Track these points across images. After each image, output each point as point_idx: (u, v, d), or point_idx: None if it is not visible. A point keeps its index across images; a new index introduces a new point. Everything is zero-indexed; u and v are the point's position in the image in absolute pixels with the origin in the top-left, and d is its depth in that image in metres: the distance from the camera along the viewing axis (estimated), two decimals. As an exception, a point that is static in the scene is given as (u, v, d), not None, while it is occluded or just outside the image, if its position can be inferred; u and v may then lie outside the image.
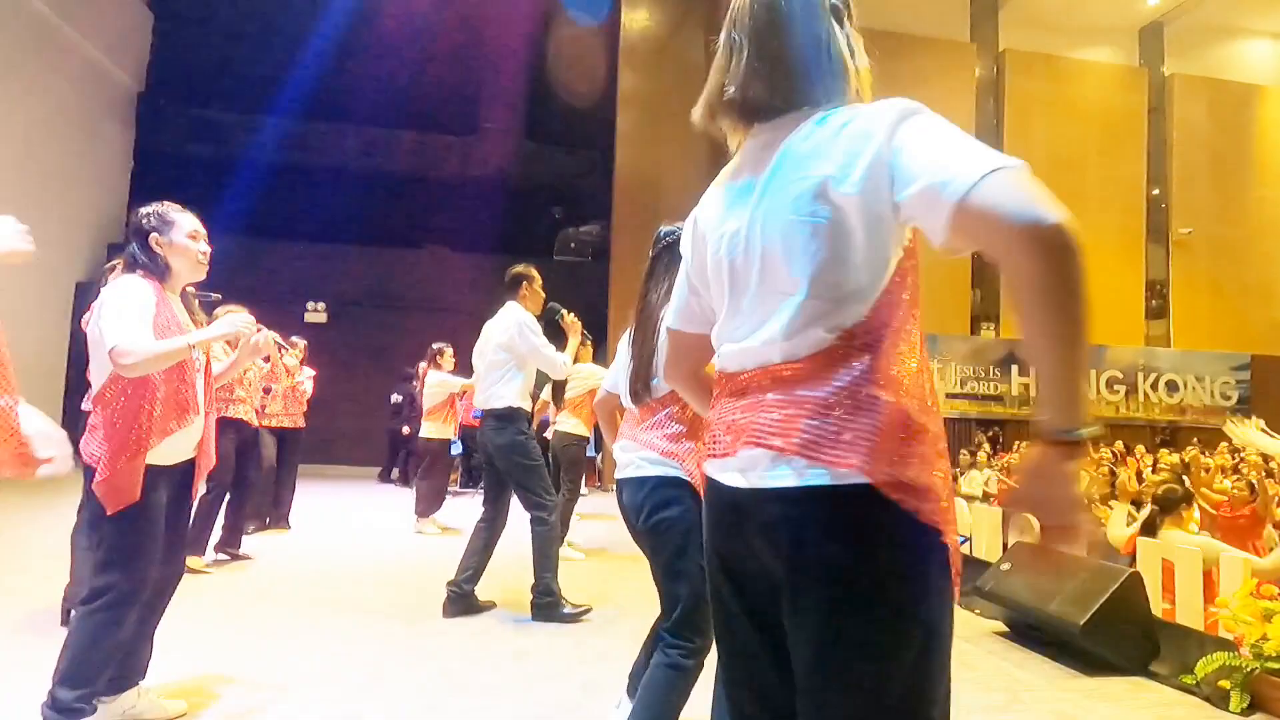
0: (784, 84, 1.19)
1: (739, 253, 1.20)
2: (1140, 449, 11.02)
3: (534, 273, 4.42)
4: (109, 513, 2.32)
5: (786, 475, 1.08)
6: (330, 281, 13.40)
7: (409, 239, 13.79)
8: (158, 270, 2.53)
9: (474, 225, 13.59)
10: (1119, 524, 4.68)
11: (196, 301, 3.07)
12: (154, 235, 2.51)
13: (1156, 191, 14.40)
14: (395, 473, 11.17)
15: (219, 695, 2.88)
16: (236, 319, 2.70)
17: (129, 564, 2.37)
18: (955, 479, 8.12)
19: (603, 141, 13.23)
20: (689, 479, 2.26)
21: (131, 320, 2.34)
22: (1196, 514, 5.04)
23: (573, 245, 14.56)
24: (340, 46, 13.49)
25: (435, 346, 7.23)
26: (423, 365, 7.70)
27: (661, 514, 2.26)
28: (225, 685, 2.98)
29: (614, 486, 2.58)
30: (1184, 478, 5.68)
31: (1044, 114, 13.70)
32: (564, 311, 4.44)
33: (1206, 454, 10.18)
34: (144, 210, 2.57)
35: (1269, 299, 14.10)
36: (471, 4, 13.31)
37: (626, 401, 2.47)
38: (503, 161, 14.38)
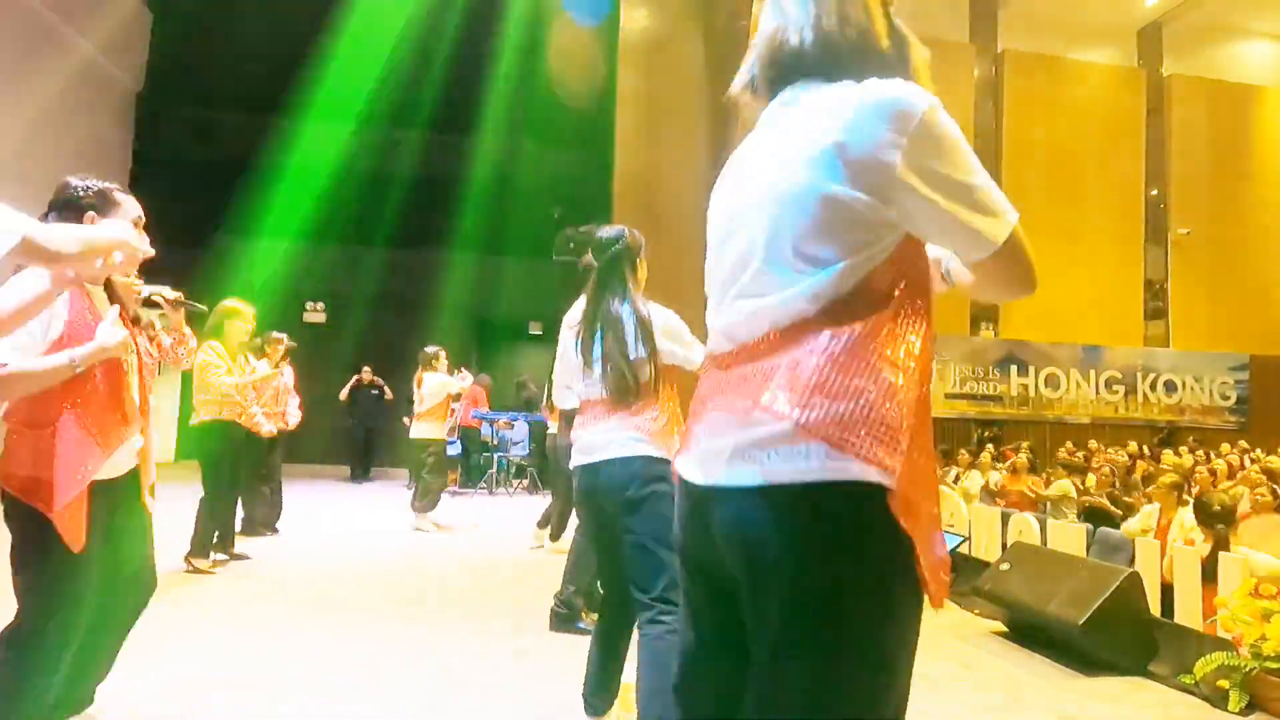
0: (827, 53, 1.14)
1: (736, 218, 1.17)
2: (1139, 448, 11.05)
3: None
4: (15, 540, 1.96)
5: (752, 467, 1.04)
6: (330, 281, 13.39)
7: (409, 239, 13.78)
8: None
9: (472, 225, 13.59)
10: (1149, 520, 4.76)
11: (183, 311, 2.79)
12: (91, 215, 2.10)
13: (1155, 192, 14.40)
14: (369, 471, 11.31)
15: (218, 695, 2.88)
16: (113, 332, 2.10)
17: (53, 600, 2.01)
18: (956, 479, 8.12)
19: (602, 141, 13.22)
20: (670, 460, 2.32)
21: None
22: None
23: (572, 245, 14.54)
24: (340, 46, 13.48)
25: (430, 350, 7.24)
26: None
27: (654, 486, 2.35)
28: (224, 685, 2.97)
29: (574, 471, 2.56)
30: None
31: (1043, 115, 13.70)
32: None
33: (1212, 455, 10.21)
34: (79, 182, 2.14)
35: (1268, 299, 14.10)
36: (472, 4, 13.30)
37: (583, 395, 2.58)
38: (501, 161, 14.37)
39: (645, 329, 2.41)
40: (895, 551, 1.01)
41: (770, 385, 1.05)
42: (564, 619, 3.97)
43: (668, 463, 2.32)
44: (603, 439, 2.46)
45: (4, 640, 2.00)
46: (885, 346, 1.03)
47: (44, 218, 2.10)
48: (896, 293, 1.06)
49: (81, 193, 2.13)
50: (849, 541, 1.00)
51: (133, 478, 2.26)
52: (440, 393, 7.04)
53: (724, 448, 1.07)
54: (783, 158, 1.10)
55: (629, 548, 2.42)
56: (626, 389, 2.41)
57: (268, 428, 5.53)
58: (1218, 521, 4.28)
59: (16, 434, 2.07)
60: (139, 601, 2.37)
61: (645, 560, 2.37)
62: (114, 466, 2.18)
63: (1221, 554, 3.90)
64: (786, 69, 1.17)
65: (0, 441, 2.09)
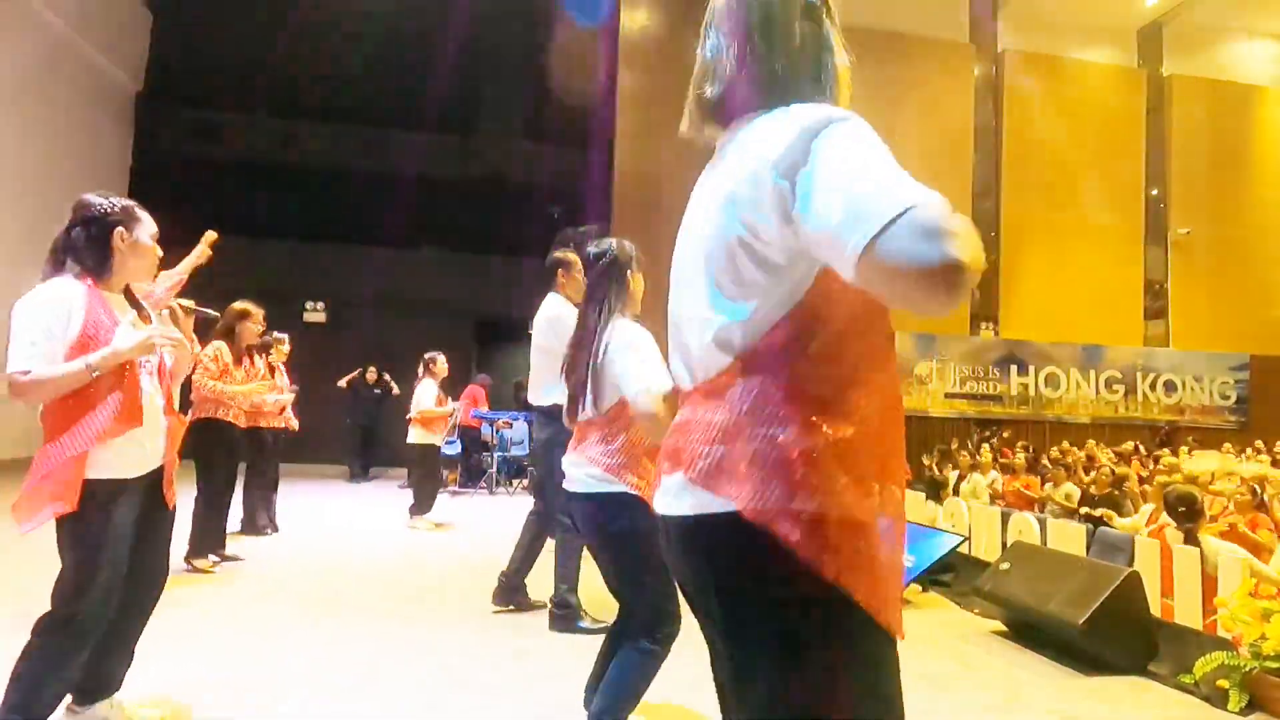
0: (756, 84, 1.15)
1: (681, 263, 1.21)
2: (1134, 447, 11.05)
3: (572, 257, 4.20)
4: (56, 515, 2.13)
5: (686, 503, 1.11)
6: (329, 281, 13.40)
7: (409, 239, 13.79)
8: (102, 268, 2.28)
9: (473, 225, 13.60)
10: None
11: (194, 318, 2.97)
12: (119, 230, 2.29)
13: (1155, 192, 14.41)
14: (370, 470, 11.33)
15: (217, 696, 2.88)
16: (147, 331, 2.31)
17: (84, 591, 2.16)
18: (958, 482, 8.12)
19: (602, 141, 13.22)
20: (634, 492, 2.33)
21: (25, 343, 2.11)
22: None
23: (572, 245, 14.54)
24: (340, 46, 13.49)
25: (428, 355, 7.34)
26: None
27: (617, 525, 2.35)
28: (224, 685, 2.98)
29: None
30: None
31: (1043, 114, 13.70)
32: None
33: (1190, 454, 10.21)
34: (102, 200, 2.32)
35: (1267, 299, 14.10)
36: (472, 4, 13.30)
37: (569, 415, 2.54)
38: (502, 161, 14.38)
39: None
40: (816, 585, 1.00)
41: (690, 438, 1.12)
42: (563, 619, 3.95)
43: (630, 498, 2.32)
44: (570, 468, 2.48)
45: (39, 628, 2.18)
46: (797, 392, 1.03)
47: (68, 233, 2.29)
48: (830, 327, 1.05)
49: (108, 209, 2.30)
50: (764, 574, 1.04)
51: (158, 476, 2.40)
52: (417, 404, 7.12)
53: (674, 480, 1.15)
54: (709, 203, 1.14)
55: (610, 577, 2.46)
56: (584, 410, 2.41)
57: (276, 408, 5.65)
58: (1185, 519, 4.35)
59: (49, 438, 2.21)
60: (158, 591, 2.51)
61: (625, 590, 2.43)
62: (139, 465, 2.31)
63: (1221, 554, 3.91)
64: (715, 108, 1.20)
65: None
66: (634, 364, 2.23)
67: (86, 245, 2.27)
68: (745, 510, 1.02)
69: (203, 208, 12.24)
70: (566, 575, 3.98)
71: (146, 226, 2.38)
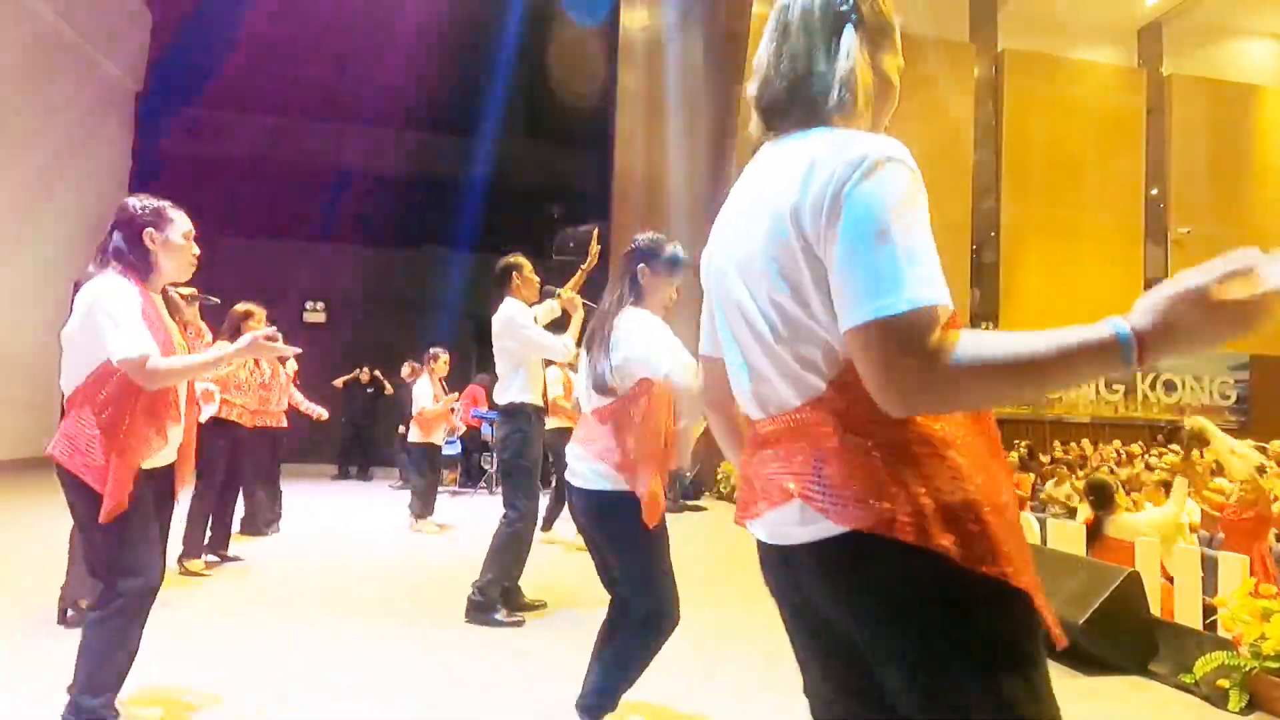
0: (792, 93, 1.14)
1: (731, 287, 1.17)
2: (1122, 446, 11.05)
3: (521, 260, 4.33)
4: (102, 520, 2.22)
5: (796, 529, 1.08)
6: (329, 281, 13.39)
7: (408, 239, 13.78)
8: (143, 267, 2.39)
9: (473, 225, 13.58)
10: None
11: (198, 305, 3.04)
12: (149, 231, 2.39)
13: (1155, 191, 14.41)
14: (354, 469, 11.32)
15: (217, 696, 2.88)
16: (259, 335, 2.49)
17: (138, 567, 2.31)
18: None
19: (602, 141, 13.22)
20: (632, 491, 2.33)
21: (139, 328, 2.25)
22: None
23: (571, 245, 14.56)
24: (340, 46, 13.49)
25: (431, 351, 7.24)
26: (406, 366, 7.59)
27: (624, 525, 2.34)
28: (224, 686, 2.97)
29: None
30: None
31: (1043, 114, 13.70)
32: (559, 291, 4.32)
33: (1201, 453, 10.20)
34: (137, 202, 2.42)
35: (1268, 299, 14.10)
36: (471, 3, 13.30)
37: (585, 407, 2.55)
38: (502, 161, 14.38)
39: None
40: (947, 579, 0.99)
41: (793, 464, 1.09)
42: (479, 607, 3.93)
43: (627, 496, 2.32)
44: (577, 461, 2.46)
45: (98, 607, 2.31)
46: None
47: (109, 236, 2.40)
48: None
49: (137, 211, 2.41)
50: (892, 585, 1.02)
51: (168, 474, 2.48)
52: (416, 403, 7.06)
53: (778, 509, 1.12)
54: (758, 215, 1.11)
55: (611, 572, 2.48)
56: (596, 395, 2.42)
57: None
58: (1096, 505, 4.75)
59: (78, 418, 2.29)
60: (152, 597, 2.52)
61: (627, 587, 2.45)
62: (161, 456, 2.41)
63: (1221, 554, 3.92)
64: (762, 109, 1.19)
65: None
66: (656, 346, 2.28)
67: (126, 247, 2.38)
68: (876, 527, 0.99)
69: (203, 208, 12.25)
70: (496, 564, 3.98)
71: (179, 226, 2.46)
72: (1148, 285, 14.26)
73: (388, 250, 13.68)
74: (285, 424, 6.28)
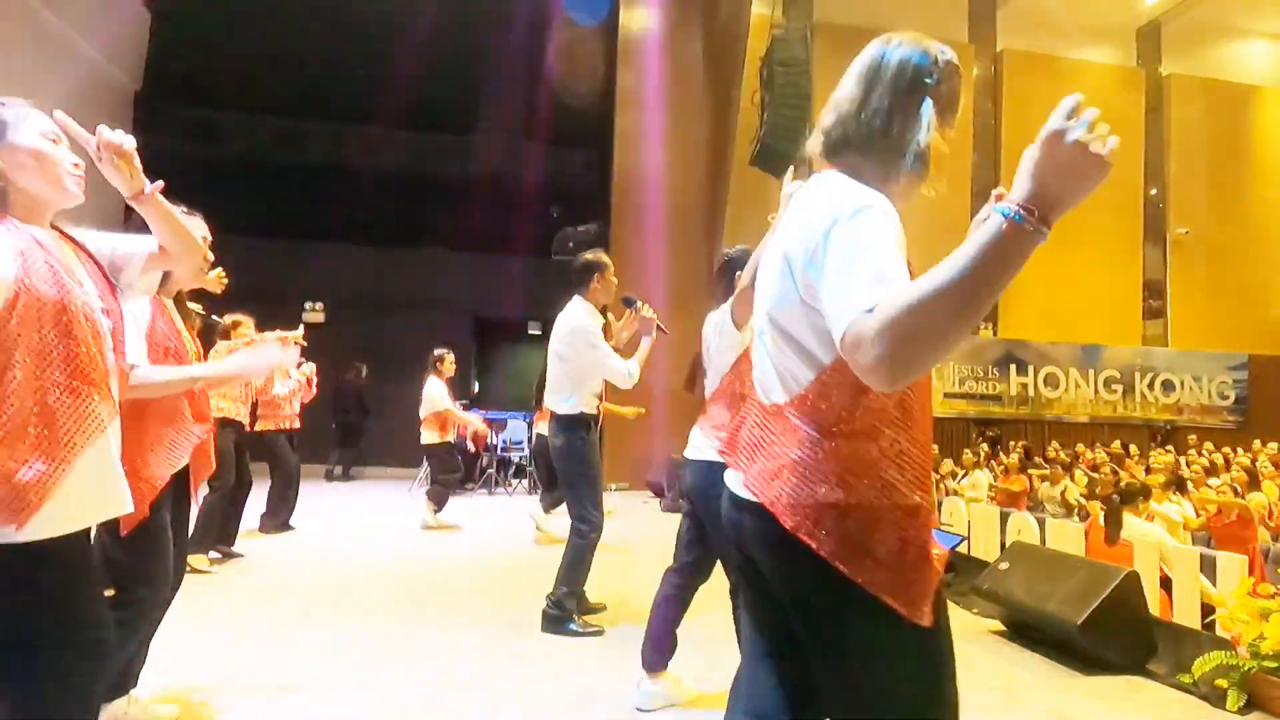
0: (864, 144, 1.29)
1: (763, 283, 1.41)
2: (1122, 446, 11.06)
3: (606, 260, 3.95)
4: (122, 532, 2.17)
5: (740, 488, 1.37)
6: (328, 281, 13.38)
7: (407, 239, 13.78)
8: None
9: (472, 224, 13.58)
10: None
11: (198, 320, 3.02)
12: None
13: (1154, 191, 14.41)
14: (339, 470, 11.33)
15: (218, 695, 2.88)
16: (255, 358, 2.53)
17: (152, 576, 2.28)
18: (956, 479, 8.12)
19: (602, 141, 13.22)
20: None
21: (131, 335, 2.16)
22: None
23: (571, 244, 14.56)
24: (339, 46, 13.48)
25: (436, 353, 7.18)
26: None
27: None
28: (225, 685, 2.98)
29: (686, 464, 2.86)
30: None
31: (1042, 114, 13.21)
32: (639, 303, 3.88)
33: (1200, 453, 10.22)
34: None
35: (1266, 299, 14.12)
36: (471, 3, 13.30)
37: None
38: (501, 161, 14.37)
39: None
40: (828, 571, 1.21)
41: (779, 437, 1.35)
42: (554, 620, 3.90)
43: None
44: (700, 438, 2.79)
45: (115, 609, 2.22)
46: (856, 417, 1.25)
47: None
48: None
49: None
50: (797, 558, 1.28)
51: (183, 475, 2.48)
52: (433, 403, 7.05)
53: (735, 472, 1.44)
54: (779, 248, 1.34)
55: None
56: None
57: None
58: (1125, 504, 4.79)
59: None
60: (170, 598, 2.54)
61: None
62: (181, 461, 2.42)
63: (1220, 554, 3.93)
64: (833, 150, 1.34)
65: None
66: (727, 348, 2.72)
67: None
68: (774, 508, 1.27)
69: (203, 208, 12.27)
70: (570, 577, 3.91)
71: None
72: (1146, 285, 14.28)
73: (386, 250, 13.68)
74: (298, 425, 6.31)
